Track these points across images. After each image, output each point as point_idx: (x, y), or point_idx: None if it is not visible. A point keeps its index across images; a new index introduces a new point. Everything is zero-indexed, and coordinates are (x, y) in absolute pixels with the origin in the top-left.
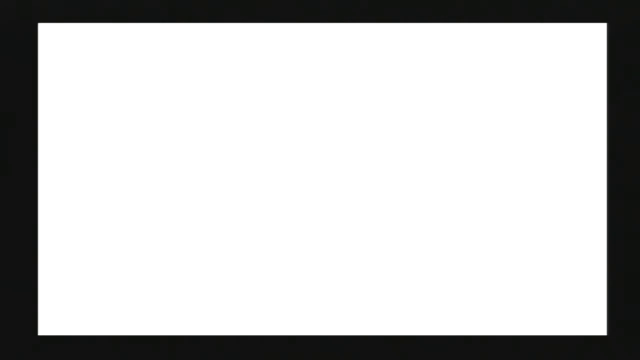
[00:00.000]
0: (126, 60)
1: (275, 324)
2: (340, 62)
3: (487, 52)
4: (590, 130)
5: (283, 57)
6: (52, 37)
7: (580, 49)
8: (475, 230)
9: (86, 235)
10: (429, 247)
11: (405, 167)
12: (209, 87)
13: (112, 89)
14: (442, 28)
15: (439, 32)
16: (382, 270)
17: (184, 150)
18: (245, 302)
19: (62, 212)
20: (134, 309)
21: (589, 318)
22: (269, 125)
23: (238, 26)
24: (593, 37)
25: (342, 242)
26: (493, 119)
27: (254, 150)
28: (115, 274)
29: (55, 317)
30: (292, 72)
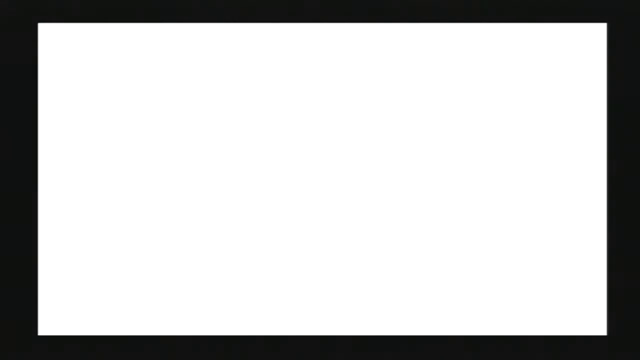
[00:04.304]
0: (126, 60)
1: (274, 324)
2: (340, 62)
3: (487, 52)
4: (590, 130)
5: (283, 57)
6: (52, 37)
7: (580, 49)
8: (475, 231)
9: (86, 235)
10: (429, 247)
11: (405, 167)
12: (209, 87)
13: (112, 89)
14: (442, 28)
15: (439, 32)
16: (382, 270)
17: (184, 151)
18: (244, 302)
19: (62, 212)
20: (134, 309)
21: (589, 318)
22: (268, 125)
23: (238, 26)
24: (593, 37)
25: (342, 242)
26: (493, 119)
27: (253, 150)
28: (115, 274)
29: (55, 317)
30: (292, 72)
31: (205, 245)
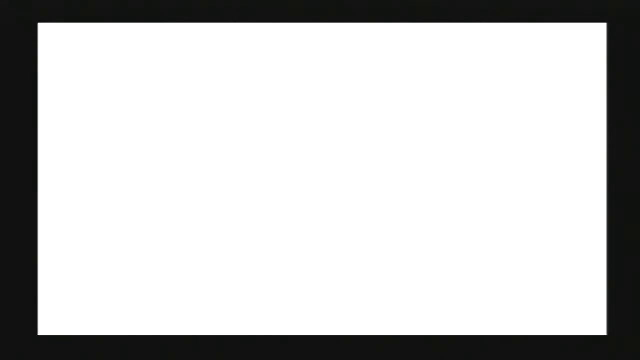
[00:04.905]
0: (126, 60)
1: (274, 324)
2: (340, 62)
3: (487, 52)
4: (590, 130)
5: (283, 57)
6: (52, 37)
7: (580, 49)
8: (475, 231)
9: (86, 235)
10: (429, 247)
11: (405, 167)
12: (209, 87)
13: (112, 89)
14: (442, 28)
15: (439, 32)
16: (382, 270)
17: (184, 151)
18: (245, 302)
19: (62, 212)
20: (134, 309)
21: (589, 318)
22: (268, 125)
23: (238, 26)
24: (593, 37)
25: (342, 242)
26: (493, 119)
27: (253, 150)
28: (115, 274)
29: (55, 317)
30: (292, 72)
31: (205, 246)
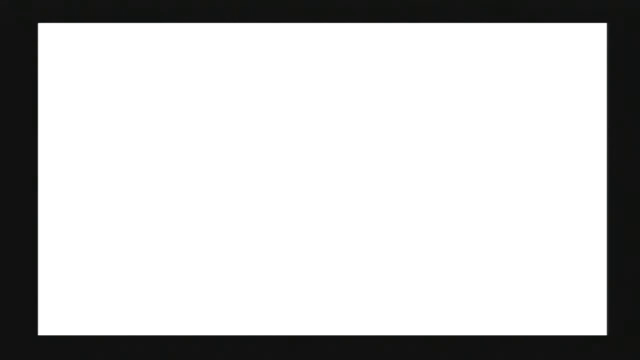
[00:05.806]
0: (126, 60)
1: (275, 324)
2: (340, 62)
3: (487, 52)
4: (590, 130)
5: (283, 57)
6: (52, 37)
7: (580, 49)
8: (475, 231)
9: (86, 235)
10: (429, 247)
11: (405, 167)
12: (209, 87)
13: (112, 89)
14: (442, 28)
15: (439, 32)
16: (382, 270)
17: (183, 150)
18: (245, 302)
19: (62, 212)
20: (134, 309)
21: (589, 318)
22: (268, 125)
23: (238, 26)
24: (593, 37)
25: (342, 242)
26: (493, 119)
27: (253, 150)
28: (115, 274)
29: (55, 317)
30: (292, 72)
31: (204, 246)
